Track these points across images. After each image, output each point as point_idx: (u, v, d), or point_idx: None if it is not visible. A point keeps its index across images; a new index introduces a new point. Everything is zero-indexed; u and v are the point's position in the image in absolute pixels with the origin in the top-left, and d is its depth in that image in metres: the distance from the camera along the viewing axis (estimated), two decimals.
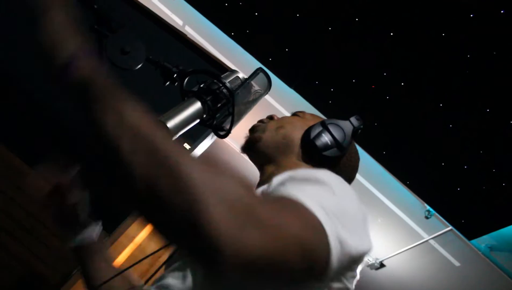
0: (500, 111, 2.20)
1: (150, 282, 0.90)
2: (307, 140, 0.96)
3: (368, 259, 4.00)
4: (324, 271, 0.60)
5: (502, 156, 2.34)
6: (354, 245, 0.64)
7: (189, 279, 0.76)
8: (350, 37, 2.36)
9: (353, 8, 2.25)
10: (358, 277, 0.78)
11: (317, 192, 0.65)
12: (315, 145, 0.94)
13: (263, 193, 0.75)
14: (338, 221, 0.62)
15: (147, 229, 4.79)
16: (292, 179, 0.68)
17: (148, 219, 0.51)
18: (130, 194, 0.50)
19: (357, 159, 1.05)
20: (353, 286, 0.77)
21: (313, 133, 0.96)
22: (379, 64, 2.37)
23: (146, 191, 0.47)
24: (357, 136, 1.05)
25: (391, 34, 2.21)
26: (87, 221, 1.05)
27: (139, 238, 4.66)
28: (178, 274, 0.79)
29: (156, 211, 0.48)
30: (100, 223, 1.08)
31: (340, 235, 0.61)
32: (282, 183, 0.68)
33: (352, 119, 1.01)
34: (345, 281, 0.74)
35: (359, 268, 0.76)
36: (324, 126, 0.97)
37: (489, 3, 1.92)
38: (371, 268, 4.01)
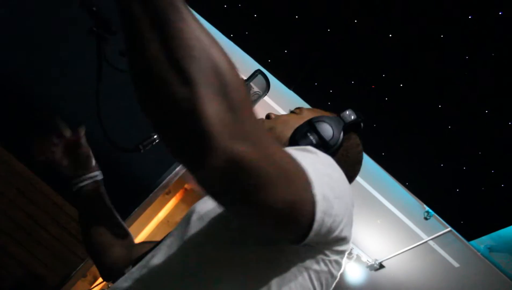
0: (499, 113, 2.20)
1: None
2: (293, 141, 0.95)
3: (368, 260, 4.00)
4: (307, 226, 0.60)
5: (501, 157, 2.34)
6: (339, 212, 0.65)
7: (172, 248, 0.77)
8: (349, 38, 2.36)
9: (352, 10, 2.25)
10: (343, 267, 0.78)
11: (307, 157, 0.66)
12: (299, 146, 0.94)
13: None
14: (327, 185, 0.62)
15: (148, 230, 4.80)
16: None
17: (144, 93, 0.50)
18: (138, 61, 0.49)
19: (356, 153, 1.02)
20: (338, 274, 0.77)
21: (299, 133, 0.95)
22: (378, 66, 2.38)
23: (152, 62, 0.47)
24: (361, 129, 1.01)
25: (390, 35, 2.21)
26: (90, 165, 1.19)
27: (140, 238, 4.66)
28: (161, 249, 0.79)
29: (154, 88, 0.48)
30: (100, 172, 1.21)
31: (326, 194, 0.61)
32: None
33: (343, 114, 0.97)
34: (328, 263, 0.74)
35: (344, 259, 0.77)
36: (311, 125, 0.95)
37: (488, 5, 1.93)
38: (371, 269, 4.01)
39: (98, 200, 1.18)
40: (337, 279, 0.78)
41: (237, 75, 0.50)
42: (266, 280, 0.69)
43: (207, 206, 0.80)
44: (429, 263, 3.53)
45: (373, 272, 4.03)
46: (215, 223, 0.76)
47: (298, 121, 1.00)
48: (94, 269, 3.89)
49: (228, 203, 0.54)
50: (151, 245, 1.00)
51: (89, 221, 1.16)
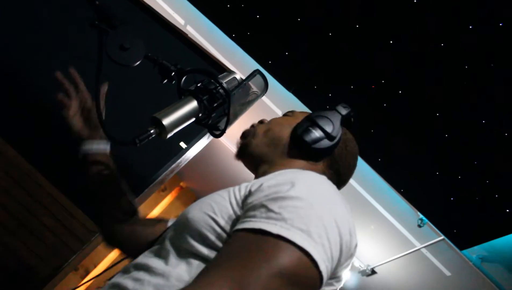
0: (496, 123, 2.21)
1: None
2: (296, 137, 0.98)
3: (360, 265, 4.01)
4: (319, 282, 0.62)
5: (496, 168, 2.35)
6: (335, 257, 0.66)
7: (171, 257, 0.74)
8: (350, 44, 2.37)
9: (354, 15, 2.26)
10: (343, 282, 0.79)
11: (300, 214, 0.65)
12: (304, 140, 0.96)
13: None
14: (324, 239, 0.63)
15: None
16: (270, 199, 0.68)
17: None
18: None
19: (354, 146, 1.06)
20: (340, 285, 0.80)
21: (301, 128, 0.98)
22: (378, 71, 2.39)
23: None
24: (351, 125, 1.05)
25: (391, 42, 2.22)
26: (99, 134, 1.16)
27: None
28: (157, 254, 0.78)
29: None
30: (109, 143, 1.18)
31: (328, 257, 0.63)
32: (262, 204, 0.68)
33: (339, 107, 1.02)
34: (334, 283, 0.77)
35: (344, 272, 0.77)
36: (311, 120, 0.99)
37: (489, 16, 1.94)
38: (363, 275, 4.02)
39: (104, 171, 1.15)
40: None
41: None
42: None
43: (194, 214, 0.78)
44: (421, 270, 3.54)
45: (365, 277, 4.04)
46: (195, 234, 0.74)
47: (293, 121, 1.03)
48: (85, 262, 3.88)
49: None
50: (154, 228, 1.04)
51: (95, 191, 1.15)
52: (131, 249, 1.06)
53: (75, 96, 1.16)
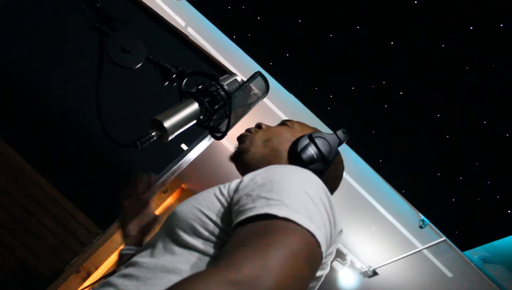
0: (497, 124, 2.21)
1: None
2: (294, 153, 0.99)
3: (362, 267, 4.01)
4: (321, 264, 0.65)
5: (498, 169, 2.35)
6: (328, 240, 0.70)
7: (157, 251, 0.77)
8: (351, 44, 2.37)
9: (355, 16, 2.26)
10: (327, 270, 0.83)
11: (297, 197, 0.68)
12: (301, 159, 0.97)
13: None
14: (321, 223, 0.66)
15: None
16: (260, 187, 0.71)
17: None
18: None
19: (341, 169, 1.09)
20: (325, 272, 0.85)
21: (300, 146, 0.99)
22: (378, 72, 2.39)
23: None
24: (349, 143, 1.07)
25: (392, 43, 2.22)
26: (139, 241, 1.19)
27: None
28: (146, 250, 0.81)
29: None
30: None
31: (326, 240, 0.66)
32: (252, 190, 0.71)
33: (339, 132, 1.04)
34: (320, 269, 0.81)
35: (329, 260, 0.82)
36: (311, 139, 1.00)
37: (489, 16, 1.94)
38: (364, 276, 4.01)
39: None
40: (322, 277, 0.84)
41: None
42: None
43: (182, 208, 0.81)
44: (422, 272, 3.53)
45: (366, 279, 4.03)
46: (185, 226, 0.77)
47: (292, 134, 1.05)
48: (87, 265, 3.87)
49: None
50: None
51: None
52: None
53: (139, 200, 1.22)
